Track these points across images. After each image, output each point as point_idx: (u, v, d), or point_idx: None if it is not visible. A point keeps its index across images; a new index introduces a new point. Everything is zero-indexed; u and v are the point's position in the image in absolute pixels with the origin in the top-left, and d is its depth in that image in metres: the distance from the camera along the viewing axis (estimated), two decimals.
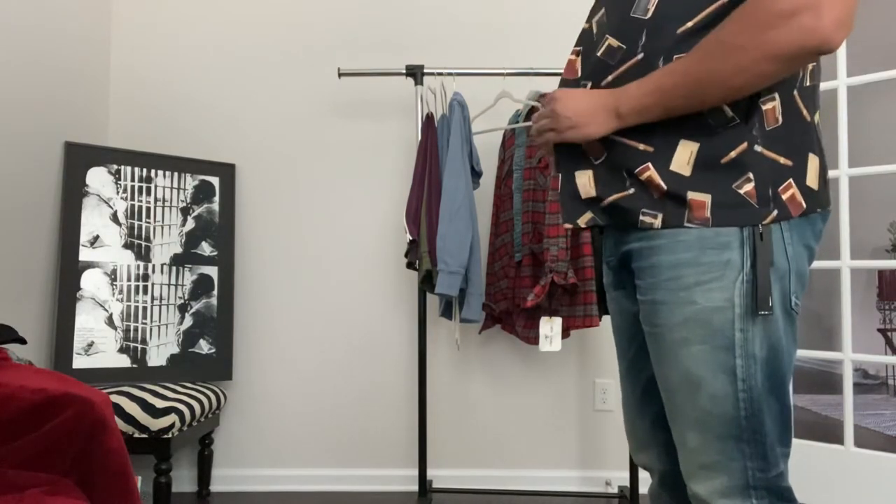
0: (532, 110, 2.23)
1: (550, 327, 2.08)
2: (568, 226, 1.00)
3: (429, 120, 2.19)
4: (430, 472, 2.47)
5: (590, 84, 0.98)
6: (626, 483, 2.36)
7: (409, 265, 2.21)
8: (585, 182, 0.96)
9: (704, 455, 0.89)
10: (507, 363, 2.50)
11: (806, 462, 2.24)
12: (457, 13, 2.56)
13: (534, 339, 2.19)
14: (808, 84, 0.90)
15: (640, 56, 0.91)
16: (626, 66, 0.93)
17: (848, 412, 2.16)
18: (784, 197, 0.86)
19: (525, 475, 2.46)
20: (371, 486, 2.46)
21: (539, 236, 2.15)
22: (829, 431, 3.52)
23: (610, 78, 0.94)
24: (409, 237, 2.16)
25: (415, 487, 2.43)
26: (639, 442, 1.09)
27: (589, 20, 1.04)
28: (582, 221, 0.98)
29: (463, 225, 2.07)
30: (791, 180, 0.87)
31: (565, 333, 2.19)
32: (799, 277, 0.89)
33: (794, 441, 2.28)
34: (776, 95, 0.87)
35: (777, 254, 0.86)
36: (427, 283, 2.15)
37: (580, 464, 2.47)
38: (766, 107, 0.87)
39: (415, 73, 2.23)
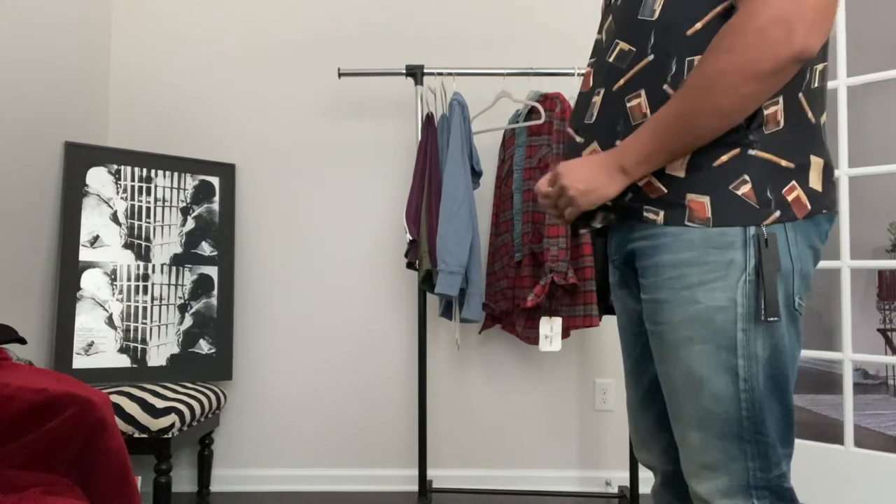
0: (532, 110, 2.23)
1: (550, 327, 2.08)
2: (583, 230, 1.00)
3: (429, 120, 2.19)
4: (430, 472, 2.47)
5: (603, 90, 0.97)
6: (626, 483, 2.36)
7: (409, 265, 2.21)
8: None
9: (706, 454, 0.89)
10: (506, 363, 2.50)
11: (806, 462, 2.23)
12: (457, 13, 2.56)
13: (534, 339, 2.19)
14: (815, 85, 0.89)
15: (651, 57, 0.91)
16: (637, 69, 0.92)
17: (848, 412, 2.16)
18: (788, 199, 0.86)
19: (525, 475, 2.46)
20: (371, 486, 2.46)
21: (539, 236, 2.15)
22: (829, 431, 3.53)
23: (622, 81, 0.94)
24: (408, 237, 2.16)
25: (415, 487, 2.43)
26: (642, 441, 1.10)
27: (600, 31, 1.04)
28: (596, 223, 0.99)
29: (463, 225, 2.07)
30: (794, 182, 0.87)
31: (565, 333, 2.19)
32: (803, 278, 0.88)
33: (795, 441, 2.28)
34: (780, 99, 0.87)
35: (781, 255, 0.86)
36: (427, 283, 2.15)
37: (580, 464, 2.47)
38: (769, 111, 0.87)
39: (415, 73, 2.23)
